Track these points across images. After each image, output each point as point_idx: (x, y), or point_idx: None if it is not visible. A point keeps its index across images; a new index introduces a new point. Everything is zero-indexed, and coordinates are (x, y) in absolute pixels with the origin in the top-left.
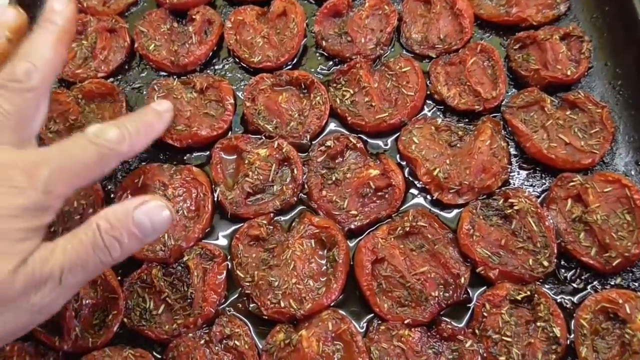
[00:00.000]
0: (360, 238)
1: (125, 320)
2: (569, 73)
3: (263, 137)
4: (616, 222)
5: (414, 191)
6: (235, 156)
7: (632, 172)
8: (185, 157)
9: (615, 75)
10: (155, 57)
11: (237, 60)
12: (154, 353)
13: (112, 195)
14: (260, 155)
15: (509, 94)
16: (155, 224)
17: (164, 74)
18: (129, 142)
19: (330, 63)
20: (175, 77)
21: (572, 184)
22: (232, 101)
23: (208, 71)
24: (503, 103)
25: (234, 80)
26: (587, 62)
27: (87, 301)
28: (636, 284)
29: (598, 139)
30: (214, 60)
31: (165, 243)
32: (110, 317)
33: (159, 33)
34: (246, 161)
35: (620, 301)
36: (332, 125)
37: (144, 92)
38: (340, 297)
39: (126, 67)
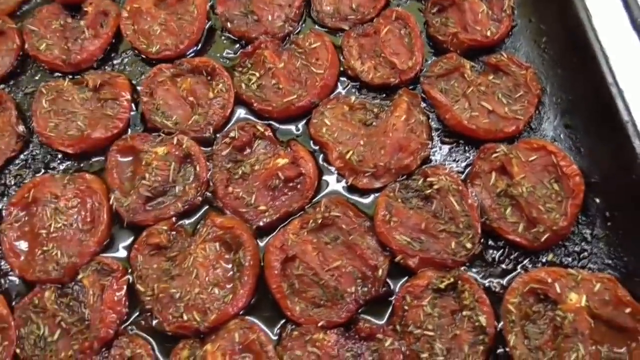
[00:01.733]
0: (271, 235)
1: (17, 351)
2: (488, 34)
3: (162, 134)
4: (543, 193)
5: (328, 178)
6: (132, 158)
7: (562, 136)
8: (82, 164)
9: (540, 32)
10: (46, 57)
11: (137, 52)
12: None
13: (2, 213)
14: (158, 154)
15: (428, 62)
16: None
17: (59, 74)
18: None
19: (237, 46)
20: (68, 77)
21: (495, 155)
22: (128, 97)
23: (106, 67)
24: (421, 73)
25: (135, 75)
26: (509, 20)
27: None
28: (569, 259)
29: (522, 103)
30: (112, 55)
31: (58, 261)
32: (0, 349)
33: (50, 31)
34: (143, 162)
35: (550, 280)
36: (240, 114)
37: None
38: (252, 300)
39: (18, 70)
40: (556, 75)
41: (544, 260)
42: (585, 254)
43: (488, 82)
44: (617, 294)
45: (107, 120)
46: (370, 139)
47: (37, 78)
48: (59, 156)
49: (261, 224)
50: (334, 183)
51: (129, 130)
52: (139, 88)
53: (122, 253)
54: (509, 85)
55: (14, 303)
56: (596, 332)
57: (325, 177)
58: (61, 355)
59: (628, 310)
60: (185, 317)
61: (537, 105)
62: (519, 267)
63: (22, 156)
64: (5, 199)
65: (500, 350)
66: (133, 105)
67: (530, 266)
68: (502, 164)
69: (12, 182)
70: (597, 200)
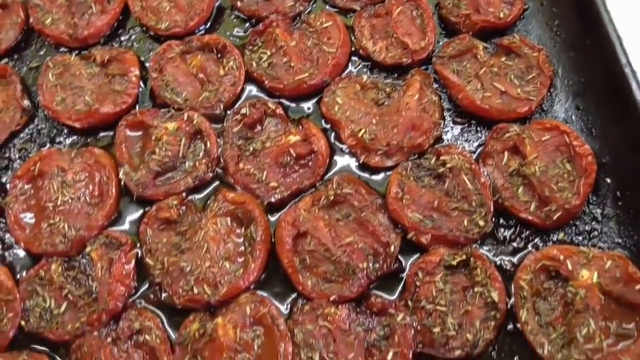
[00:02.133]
0: (282, 212)
1: (22, 323)
2: (501, 15)
3: (172, 110)
4: (556, 172)
5: (340, 157)
6: (141, 133)
7: (573, 118)
8: (89, 139)
9: (552, 15)
10: (52, 32)
11: (145, 29)
12: (57, 357)
13: (7, 186)
14: (168, 129)
15: (440, 44)
16: None
17: (65, 50)
18: None
19: (247, 25)
20: (75, 52)
21: (508, 135)
22: (137, 73)
23: (113, 44)
24: (433, 54)
25: (143, 52)
26: (521, 3)
27: None
28: (580, 238)
29: (535, 84)
30: (120, 31)
31: (65, 234)
32: (5, 321)
33: (56, 5)
34: (153, 137)
35: (562, 257)
36: (250, 92)
37: None
38: (262, 277)
39: (22, 45)
40: (568, 57)
41: (554, 239)
42: (596, 232)
43: (500, 63)
44: (628, 271)
45: (115, 96)
46: (382, 117)
47: (42, 53)
48: (65, 131)
49: (272, 200)
50: (344, 161)
51: (137, 106)
52: (147, 64)
53: (130, 227)
54: (521, 67)
55: (18, 276)
56: (606, 309)
57: (336, 156)
58: (68, 327)
59: (638, 287)
60: (195, 291)
61: (549, 87)
62: (529, 245)
63: (27, 130)
64: (10, 172)
65: (510, 327)
66: (141, 81)
67: (541, 245)
68: (515, 144)
69: (17, 156)
70: (608, 180)
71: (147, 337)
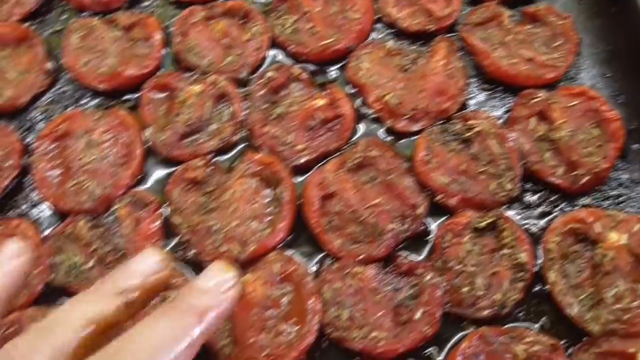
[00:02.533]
0: (307, 174)
1: (50, 278)
2: None
3: (196, 74)
4: (583, 137)
5: (365, 122)
6: (166, 95)
7: (599, 86)
8: (113, 102)
9: None
10: None
11: None
12: None
13: (32, 146)
14: (193, 91)
15: (465, 12)
16: None
17: (86, 14)
18: None
19: None
20: (98, 16)
21: (535, 100)
22: (159, 37)
23: (135, 9)
24: (459, 21)
25: (165, 17)
26: None
27: None
28: (607, 203)
29: (562, 52)
30: None
31: (92, 192)
32: (33, 275)
33: None
34: (178, 99)
35: (590, 220)
36: (275, 57)
37: None
38: (290, 237)
39: (44, 9)
40: (594, 25)
41: (581, 203)
42: (623, 198)
43: (526, 31)
44: None
45: (139, 59)
46: (408, 82)
47: (63, 17)
48: (89, 93)
49: (299, 162)
50: (370, 126)
51: (161, 70)
52: (170, 30)
53: (155, 187)
54: (547, 35)
55: (46, 233)
56: (634, 271)
57: (361, 121)
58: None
59: None
60: (223, 248)
61: (576, 54)
62: (556, 210)
63: (50, 93)
64: (33, 133)
65: (537, 289)
66: (164, 46)
67: (568, 209)
68: (542, 109)
69: (41, 118)
70: (636, 147)
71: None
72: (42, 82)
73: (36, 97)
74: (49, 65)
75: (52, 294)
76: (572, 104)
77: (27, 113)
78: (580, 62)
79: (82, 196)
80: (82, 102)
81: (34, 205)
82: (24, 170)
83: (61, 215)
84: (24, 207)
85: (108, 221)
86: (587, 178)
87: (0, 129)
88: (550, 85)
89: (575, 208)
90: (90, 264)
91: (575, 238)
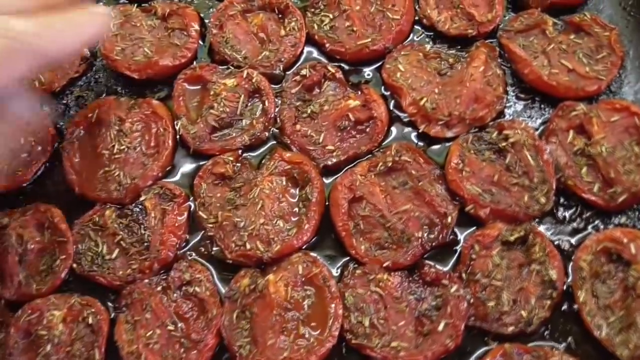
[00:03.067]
0: (337, 176)
1: (74, 265)
2: None
3: (231, 67)
4: (623, 154)
5: (398, 125)
6: (199, 87)
7: None
8: (146, 91)
9: None
10: None
11: None
12: (108, 302)
13: (64, 132)
14: (227, 85)
15: (507, 17)
16: None
17: (125, 1)
18: (47, 37)
19: None
20: (135, 4)
21: (574, 113)
22: (196, 28)
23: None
24: (500, 27)
25: (202, 8)
26: None
27: (33, 245)
28: None
29: (605, 64)
30: None
31: (120, 182)
32: (57, 262)
33: None
34: (211, 92)
35: (625, 240)
36: (310, 54)
37: None
38: (314, 239)
39: None
40: None
41: (616, 222)
42: None
43: (569, 41)
44: None
45: (174, 49)
46: (445, 87)
47: (102, 3)
48: (123, 81)
49: (329, 163)
50: (403, 130)
51: (196, 61)
52: (207, 21)
53: (183, 180)
54: (590, 46)
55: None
56: None
57: (394, 125)
58: (119, 273)
59: None
60: (248, 246)
61: (620, 68)
62: (589, 227)
63: (84, 78)
64: (66, 118)
65: (564, 307)
66: (200, 37)
67: (602, 227)
68: (581, 122)
69: (74, 103)
70: None
71: (197, 289)
72: (78, 68)
73: (71, 82)
74: (86, 50)
75: (75, 282)
76: (614, 119)
77: (61, 98)
78: (623, 75)
79: (110, 185)
80: (116, 89)
81: (63, 192)
82: (56, 156)
83: (89, 203)
84: (52, 193)
85: (135, 212)
86: (624, 196)
87: (35, 113)
88: (591, 98)
89: (610, 226)
90: (115, 254)
91: (608, 257)
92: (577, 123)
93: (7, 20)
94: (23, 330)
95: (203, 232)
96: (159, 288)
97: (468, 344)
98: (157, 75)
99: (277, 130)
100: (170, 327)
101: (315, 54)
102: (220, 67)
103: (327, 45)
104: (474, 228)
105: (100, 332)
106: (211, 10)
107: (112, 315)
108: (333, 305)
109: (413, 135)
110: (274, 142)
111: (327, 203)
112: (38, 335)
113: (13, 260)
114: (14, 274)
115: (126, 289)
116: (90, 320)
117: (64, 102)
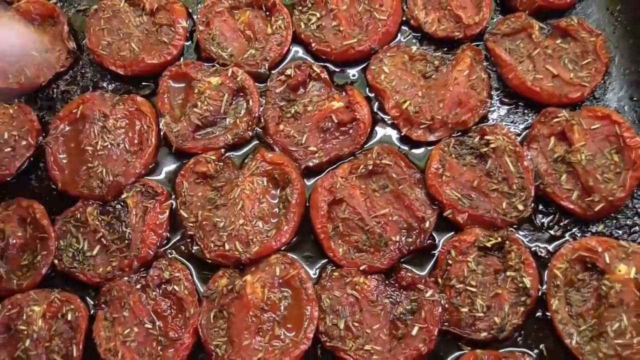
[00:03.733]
0: (318, 177)
1: (55, 262)
2: None
3: (216, 65)
4: (602, 162)
5: (381, 127)
6: (184, 85)
7: (626, 108)
8: (131, 88)
9: None
10: None
11: None
12: (87, 298)
13: (48, 127)
14: (211, 83)
15: (495, 20)
16: None
17: None
18: None
19: None
20: None
21: (556, 119)
22: (184, 24)
23: None
24: (487, 30)
25: (191, 3)
26: None
27: (14, 241)
28: (620, 232)
29: (589, 70)
30: None
31: (102, 179)
32: (39, 258)
33: None
34: (195, 90)
35: (600, 249)
36: (296, 54)
37: None
38: (294, 239)
39: None
40: (627, 45)
41: (593, 230)
42: (637, 228)
43: (555, 45)
44: None
45: (161, 46)
46: (429, 90)
47: None
48: (109, 76)
49: (310, 164)
50: (385, 133)
51: (182, 58)
52: (195, 17)
53: (166, 178)
54: (576, 51)
55: (54, 217)
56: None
57: (377, 127)
58: (99, 270)
59: None
60: (227, 247)
61: (604, 74)
62: (567, 234)
63: (71, 73)
64: (51, 112)
65: (538, 314)
66: (187, 34)
67: (579, 235)
68: (563, 129)
69: (60, 97)
70: None
71: (175, 287)
72: (65, 62)
73: (58, 76)
74: (72, 44)
75: (57, 278)
76: (595, 126)
77: (47, 92)
78: (608, 81)
79: (93, 182)
80: (101, 84)
81: (46, 188)
82: (40, 151)
83: (72, 199)
84: (35, 188)
85: (117, 209)
86: (601, 205)
87: (19, 108)
88: (574, 105)
89: (587, 234)
90: (95, 251)
91: (583, 266)
92: (559, 130)
93: None
94: (3, 324)
95: (183, 230)
96: (138, 286)
97: (441, 348)
98: (142, 71)
99: (260, 130)
100: (148, 325)
101: (301, 53)
102: (206, 64)
103: (313, 44)
104: (452, 233)
105: (78, 328)
106: (199, 5)
107: (92, 312)
108: (309, 308)
109: (395, 138)
110: (257, 142)
111: (307, 204)
112: (17, 330)
113: None
114: None
115: (105, 286)
116: (69, 317)
117: (50, 95)
